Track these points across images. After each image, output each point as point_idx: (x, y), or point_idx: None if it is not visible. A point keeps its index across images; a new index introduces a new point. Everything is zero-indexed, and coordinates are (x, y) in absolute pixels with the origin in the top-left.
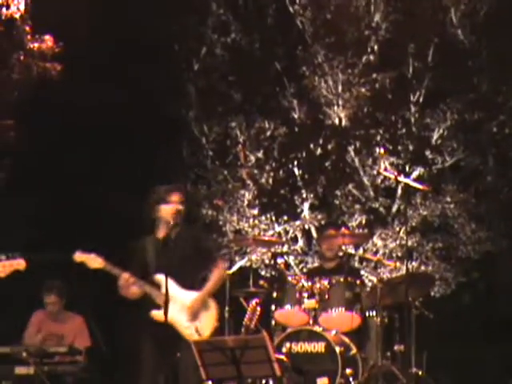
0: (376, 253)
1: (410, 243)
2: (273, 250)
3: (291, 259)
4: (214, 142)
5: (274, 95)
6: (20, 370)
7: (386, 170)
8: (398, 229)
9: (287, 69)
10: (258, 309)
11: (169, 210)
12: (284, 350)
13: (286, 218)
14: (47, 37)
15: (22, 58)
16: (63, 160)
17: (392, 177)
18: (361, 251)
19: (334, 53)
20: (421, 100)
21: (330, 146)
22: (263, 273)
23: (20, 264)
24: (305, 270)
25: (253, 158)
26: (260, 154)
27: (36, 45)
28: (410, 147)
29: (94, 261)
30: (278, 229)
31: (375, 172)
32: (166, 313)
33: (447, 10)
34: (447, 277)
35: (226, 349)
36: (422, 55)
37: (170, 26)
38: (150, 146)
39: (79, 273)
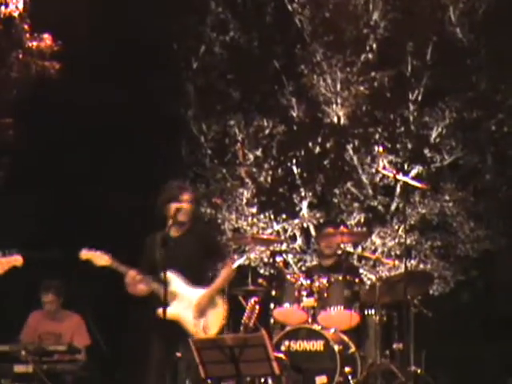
0: (375, 251)
1: (408, 241)
2: (271, 248)
3: (290, 257)
4: (212, 140)
5: (273, 93)
6: (19, 369)
7: (384, 168)
8: (396, 227)
9: (286, 67)
10: (257, 307)
11: (180, 208)
12: (283, 348)
13: (284, 216)
14: (46, 35)
15: (20, 56)
16: (62, 159)
17: (391, 175)
18: (359, 249)
19: (332, 51)
20: (419, 98)
21: (328, 145)
22: (262, 271)
23: (17, 260)
24: (303, 268)
25: (251, 157)
26: (259, 153)
27: (35, 43)
28: (409, 145)
29: (101, 258)
30: (277, 227)
31: (374, 170)
32: (164, 310)
33: (446, 9)
34: (446, 275)
35: (225, 347)
36: (420, 53)
37: (169, 24)
38: (149, 145)
39: (78, 272)
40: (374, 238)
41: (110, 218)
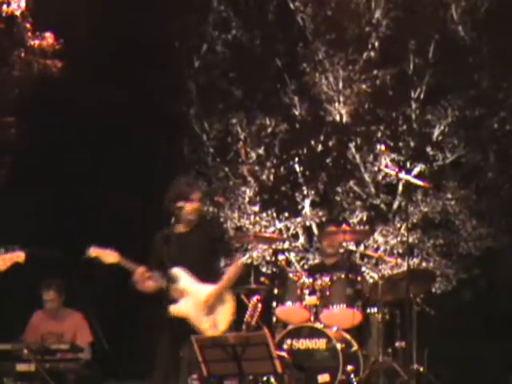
0: (377, 249)
1: (410, 240)
2: (274, 246)
3: (292, 256)
4: (214, 138)
5: (275, 92)
6: (21, 367)
7: (386, 166)
8: (398, 225)
9: (288, 65)
10: (259, 305)
11: (190, 207)
12: (285, 346)
13: (286, 214)
14: (48, 34)
15: (22, 55)
16: (63, 158)
17: (393, 173)
18: (362, 248)
19: (334, 49)
20: (421, 96)
21: (330, 143)
22: (264, 269)
23: (19, 256)
24: (306, 266)
25: (254, 155)
26: (261, 151)
27: (37, 42)
28: (411, 144)
29: (109, 255)
30: (279, 225)
31: (376, 168)
32: (165, 308)
33: (448, 7)
34: (448, 273)
35: (227, 345)
36: (422, 52)
37: (171, 23)
38: (150, 145)
39: (78, 271)
40: (377, 236)
41: (110, 218)
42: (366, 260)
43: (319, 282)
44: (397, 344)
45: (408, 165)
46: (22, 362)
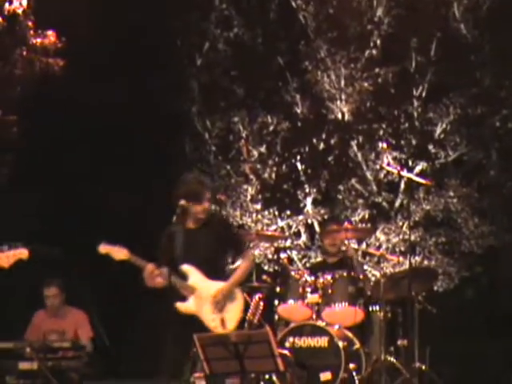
0: (379, 247)
1: (413, 238)
2: (276, 244)
3: (294, 254)
4: (216, 137)
5: (277, 90)
6: (24, 366)
7: (388, 164)
8: (401, 223)
9: (290, 63)
10: (261, 304)
11: (200, 208)
12: (287, 344)
13: (288, 212)
14: (50, 32)
15: (24, 53)
16: (63, 158)
17: (395, 171)
18: (364, 246)
19: (336, 47)
20: (424, 94)
21: (332, 141)
22: (266, 268)
23: (23, 253)
24: (308, 264)
25: (256, 153)
26: (263, 149)
27: (39, 40)
28: (413, 142)
29: (119, 252)
30: (281, 223)
31: (378, 167)
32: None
33: (450, 5)
34: (450, 271)
35: (229, 343)
36: (424, 50)
37: (173, 21)
38: (150, 144)
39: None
40: (379, 234)
41: (110, 218)
42: (368, 258)
43: (321, 280)
44: (399, 342)
45: (410, 163)
46: (25, 360)
